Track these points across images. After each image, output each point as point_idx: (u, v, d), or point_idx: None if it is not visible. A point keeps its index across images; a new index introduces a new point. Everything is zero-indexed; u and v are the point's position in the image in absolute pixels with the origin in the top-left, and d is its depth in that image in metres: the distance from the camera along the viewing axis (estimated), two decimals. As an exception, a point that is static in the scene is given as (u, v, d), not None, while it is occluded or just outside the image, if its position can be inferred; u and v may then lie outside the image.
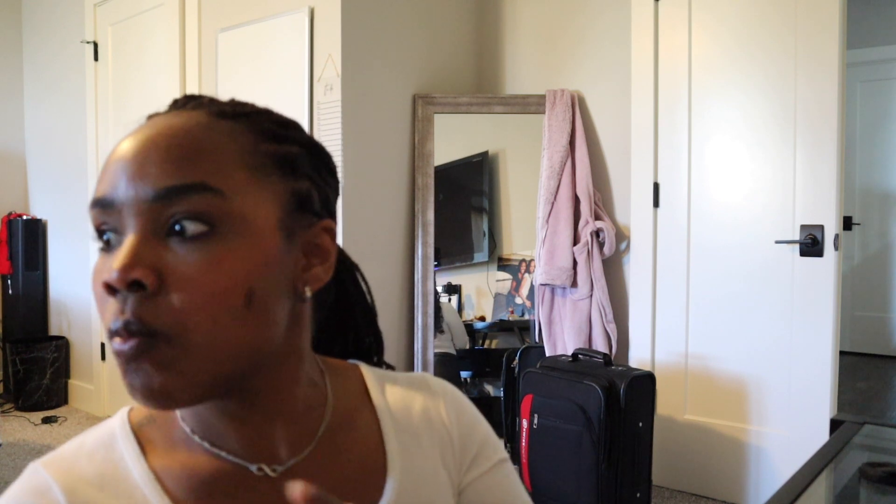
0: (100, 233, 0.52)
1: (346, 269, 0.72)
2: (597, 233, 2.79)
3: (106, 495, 0.52)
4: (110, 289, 0.48)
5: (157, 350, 0.48)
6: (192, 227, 0.49)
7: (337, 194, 0.64)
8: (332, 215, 0.62)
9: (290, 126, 0.59)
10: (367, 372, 0.68)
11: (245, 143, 0.53)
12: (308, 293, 0.57)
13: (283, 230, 0.54)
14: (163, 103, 0.59)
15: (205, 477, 0.55)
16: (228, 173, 0.51)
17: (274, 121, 0.57)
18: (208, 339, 0.48)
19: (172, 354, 0.48)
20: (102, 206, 0.50)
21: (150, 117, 0.55)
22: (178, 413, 0.57)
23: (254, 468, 0.56)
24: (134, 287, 0.47)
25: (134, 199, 0.49)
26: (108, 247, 0.51)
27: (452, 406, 0.69)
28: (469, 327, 2.99)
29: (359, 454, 0.61)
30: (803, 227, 2.47)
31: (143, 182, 0.49)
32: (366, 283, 0.74)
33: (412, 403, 0.66)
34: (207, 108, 0.55)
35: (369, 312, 0.74)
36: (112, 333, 0.48)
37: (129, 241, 0.49)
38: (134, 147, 0.51)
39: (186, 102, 0.56)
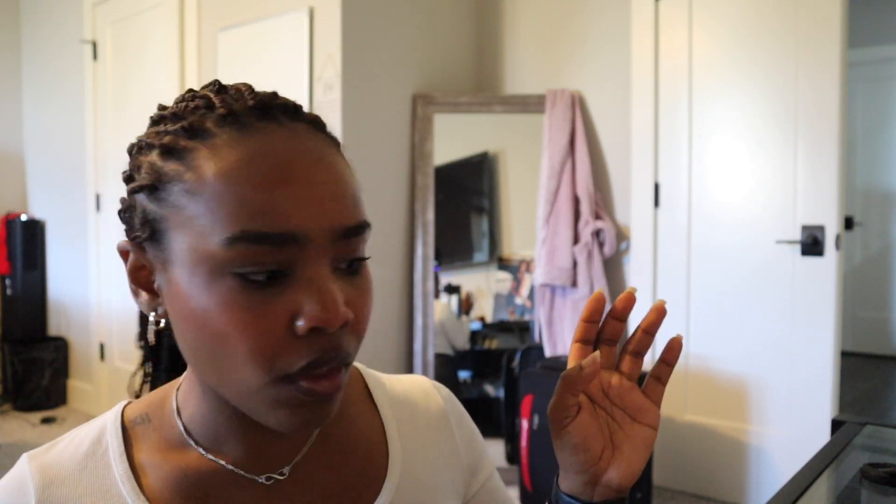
0: (259, 267, 0.46)
1: None
2: (597, 233, 2.78)
3: (81, 492, 0.53)
4: (315, 329, 0.47)
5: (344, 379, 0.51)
6: (357, 262, 0.51)
7: None
8: None
9: None
10: (367, 373, 0.67)
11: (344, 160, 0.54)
12: None
13: None
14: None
15: (194, 480, 0.54)
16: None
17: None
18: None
19: (344, 378, 0.51)
20: (282, 241, 0.46)
21: (263, 114, 0.49)
22: (177, 417, 0.57)
23: (247, 476, 0.55)
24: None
25: (326, 234, 0.48)
26: (264, 280, 0.46)
27: (454, 414, 0.69)
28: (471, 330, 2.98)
29: (361, 455, 0.60)
30: (804, 226, 2.47)
31: (337, 218, 0.48)
32: None
33: (415, 409, 0.66)
34: (313, 123, 0.52)
35: None
36: (306, 370, 0.47)
37: (327, 280, 0.47)
38: (309, 177, 0.48)
39: (285, 109, 0.51)
